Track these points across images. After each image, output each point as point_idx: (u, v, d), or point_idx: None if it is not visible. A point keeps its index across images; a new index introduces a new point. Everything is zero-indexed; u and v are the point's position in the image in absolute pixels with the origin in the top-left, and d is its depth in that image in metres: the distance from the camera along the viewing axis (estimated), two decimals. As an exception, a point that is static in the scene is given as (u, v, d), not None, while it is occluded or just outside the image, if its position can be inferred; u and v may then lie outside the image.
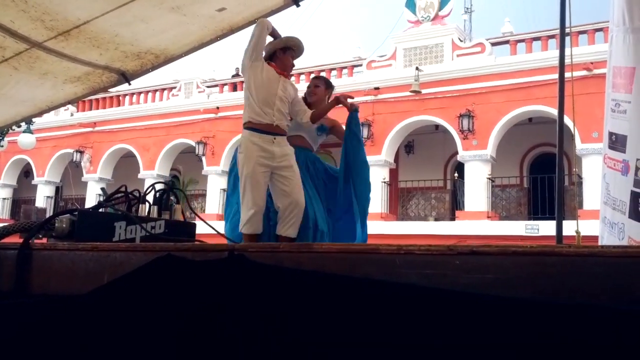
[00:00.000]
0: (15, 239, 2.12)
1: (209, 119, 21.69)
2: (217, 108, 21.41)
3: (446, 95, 17.90)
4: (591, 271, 1.23)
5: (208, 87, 22.87)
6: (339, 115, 4.71)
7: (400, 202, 20.08)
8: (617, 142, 4.07)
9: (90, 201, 21.81)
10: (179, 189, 2.98)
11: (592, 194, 14.12)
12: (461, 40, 18.82)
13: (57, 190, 25.67)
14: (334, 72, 20.31)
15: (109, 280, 1.68)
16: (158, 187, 2.82)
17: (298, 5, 4.29)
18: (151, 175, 21.54)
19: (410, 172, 20.21)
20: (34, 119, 16.01)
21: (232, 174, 4.59)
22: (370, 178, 4.61)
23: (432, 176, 19.65)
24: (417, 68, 18.09)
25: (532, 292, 1.24)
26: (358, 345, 1.32)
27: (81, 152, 23.89)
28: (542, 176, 16.42)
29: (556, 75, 5.09)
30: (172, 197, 2.85)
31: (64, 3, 3.77)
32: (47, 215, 2.35)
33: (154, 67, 4.73)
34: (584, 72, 14.85)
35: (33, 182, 25.40)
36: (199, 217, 3.34)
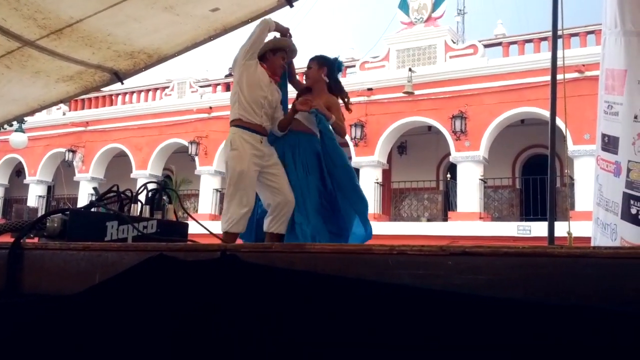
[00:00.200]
0: (7, 239, 2.11)
1: (201, 119, 21.66)
2: (210, 108, 21.39)
3: (439, 96, 17.94)
4: (583, 272, 1.23)
5: (201, 87, 22.85)
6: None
7: (393, 202, 20.11)
8: (609, 144, 4.09)
9: (83, 201, 21.73)
10: (171, 188, 2.98)
11: (584, 196, 14.18)
12: (454, 42, 18.87)
13: (49, 189, 25.58)
14: (327, 73, 20.27)
15: (101, 280, 1.68)
16: (150, 186, 2.82)
17: (292, 6, 4.29)
18: (144, 175, 21.49)
19: (403, 173, 20.24)
20: (25, 118, 15.94)
21: None
22: (357, 181, 4.46)
23: (424, 177, 19.68)
24: (410, 69, 18.13)
25: (524, 293, 1.25)
26: (352, 346, 1.32)
27: (73, 152, 23.81)
28: (534, 177, 16.48)
29: (548, 77, 5.11)
30: (164, 197, 2.84)
31: (57, 2, 3.75)
32: (39, 215, 2.34)
33: (147, 67, 4.72)
34: (575, 74, 14.91)
35: (25, 182, 25.30)
36: (191, 217, 3.34)
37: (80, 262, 1.78)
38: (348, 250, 1.47)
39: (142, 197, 2.76)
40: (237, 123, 4.14)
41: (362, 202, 4.38)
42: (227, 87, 22.23)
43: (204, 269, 1.51)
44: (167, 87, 23.24)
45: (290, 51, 4.43)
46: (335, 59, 4.54)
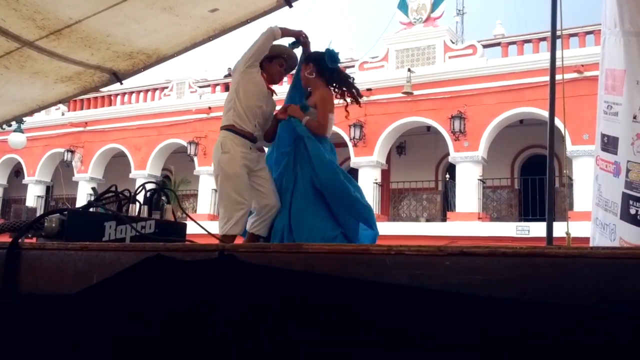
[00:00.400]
0: (5, 239, 2.11)
1: (200, 119, 21.65)
2: (209, 108, 21.38)
3: (438, 96, 17.95)
4: (580, 272, 1.23)
5: (200, 87, 22.85)
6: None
7: (392, 203, 20.11)
8: (609, 144, 4.09)
9: (81, 201, 21.71)
10: (169, 188, 2.97)
11: (583, 196, 14.19)
12: (453, 42, 18.88)
13: (48, 189, 25.57)
14: (326, 73, 20.27)
15: (98, 280, 1.68)
16: (149, 187, 2.82)
17: (291, 6, 4.28)
18: (143, 175, 21.48)
19: (402, 173, 20.24)
20: (24, 118, 15.94)
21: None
22: (349, 188, 4.05)
23: (423, 177, 19.69)
24: (409, 69, 18.13)
25: (521, 293, 1.25)
26: (348, 345, 1.32)
27: (72, 152, 23.80)
28: (533, 178, 16.48)
29: (547, 78, 5.11)
30: (162, 197, 2.84)
31: (56, 2, 3.75)
32: (38, 215, 2.33)
33: (146, 67, 4.72)
34: (574, 75, 14.91)
35: (24, 182, 25.28)
36: (189, 217, 3.34)
37: (78, 262, 1.78)
38: (345, 251, 1.46)
39: (140, 197, 2.76)
40: (229, 128, 4.11)
41: (356, 212, 4.15)
42: (226, 87, 22.20)
43: (202, 269, 1.51)
44: (166, 88, 23.25)
45: (289, 57, 4.36)
46: (325, 51, 4.31)
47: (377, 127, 18.63)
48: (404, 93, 17.92)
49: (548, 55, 5.22)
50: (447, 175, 19.12)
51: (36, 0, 3.66)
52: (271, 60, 4.25)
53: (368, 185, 17.80)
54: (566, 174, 15.94)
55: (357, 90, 4.47)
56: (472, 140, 17.33)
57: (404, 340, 1.27)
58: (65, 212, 2.27)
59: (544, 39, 16.55)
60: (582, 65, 15.11)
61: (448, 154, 18.18)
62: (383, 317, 1.29)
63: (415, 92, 17.93)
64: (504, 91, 17.00)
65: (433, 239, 15.76)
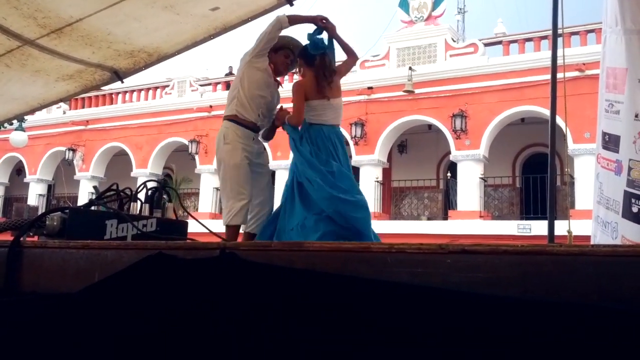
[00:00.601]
0: (6, 237, 2.11)
1: (202, 118, 21.67)
2: (210, 107, 21.39)
3: (439, 95, 17.94)
4: (582, 270, 1.23)
5: (201, 85, 22.86)
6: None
7: (393, 201, 20.10)
8: (610, 142, 4.09)
9: (83, 199, 21.73)
10: (170, 187, 2.97)
11: (584, 194, 14.18)
12: (454, 41, 18.87)
13: (50, 188, 25.61)
14: (327, 72, 20.27)
15: (100, 279, 1.68)
16: (150, 185, 2.82)
17: (292, 5, 4.28)
18: (144, 174, 21.50)
19: (403, 172, 20.24)
20: (25, 117, 15.95)
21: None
22: (328, 201, 3.79)
23: (425, 176, 19.68)
24: (410, 68, 18.13)
25: (523, 291, 1.25)
26: (349, 343, 1.32)
27: (73, 150, 23.82)
28: (535, 176, 16.48)
29: (548, 76, 5.10)
30: (164, 196, 2.84)
31: (57, 1, 3.75)
32: (39, 214, 2.34)
33: (147, 66, 4.71)
34: (576, 73, 14.91)
35: (25, 180, 25.32)
36: (190, 215, 3.34)
37: (80, 261, 1.78)
38: (347, 249, 1.46)
39: (141, 195, 2.76)
40: (231, 118, 4.12)
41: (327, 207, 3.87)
42: (227, 85, 22.20)
43: (204, 268, 1.51)
44: (167, 86, 23.25)
45: (296, 48, 4.32)
46: (308, 39, 4.18)
47: (379, 125, 18.62)
48: (405, 91, 17.91)
49: (549, 53, 5.21)
50: (449, 174, 19.11)
51: (37, -2, 3.66)
52: (277, 52, 4.24)
53: (369, 183, 17.81)
54: (568, 173, 15.94)
55: (327, 66, 4.19)
56: (474, 138, 17.32)
57: (405, 338, 1.27)
58: (67, 211, 2.27)
59: (545, 37, 16.54)
60: (584, 64, 15.10)
61: (449, 153, 18.18)
62: (384, 315, 1.29)
63: (417, 91, 17.93)
64: (505, 90, 16.99)
65: (434, 238, 15.77)
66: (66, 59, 4.38)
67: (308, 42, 4.18)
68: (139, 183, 2.86)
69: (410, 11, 19.17)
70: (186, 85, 22.79)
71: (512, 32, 19.12)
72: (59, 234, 2.19)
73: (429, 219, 18.86)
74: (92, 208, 2.52)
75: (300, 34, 4.25)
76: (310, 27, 4.24)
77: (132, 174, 22.12)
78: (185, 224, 2.84)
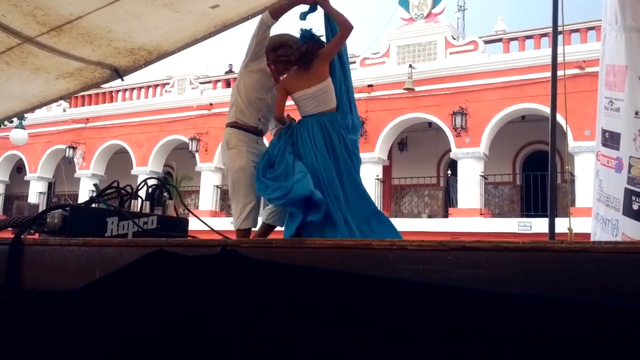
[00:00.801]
0: (7, 235, 2.12)
1: (202, 116, 21.67)
2: (211, 104, 21.39)
3: (439, 92, 17.94)
4: (583, 267, 1.23)
5: (201, 83, 22.85)
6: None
7: (394, 199, 20.10)
8: (610, 140, 4.09)
9: (83, 197, 21.73)
10: (171, 184, 2.97)
11: (585, 192, 14.18)
12: (454, 38, 18.86)
13: (50, 186, 25.61)
14: (327, 69, 20.26)
15: (101, 276, 1.68)
16: (150, 182, 2.82)
17: (292, 3, 4.27)
18: (144, 172, 21.50)
19: (404, 169, 20.24)
20: (26, 115, 15.94)
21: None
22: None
23: (425, 173, 19.68)
24: (410, 65, 18.12)
25: (524, 288, 1.25)
26: (350, 341, 1.32)
27: (74, 148, 23.82)
28: (535, 174, 16.49)
29: (549, 74, 5.11)
30: (164, 193, 2.84)
31: (57, -2, 3.75)
32: (40, 211, 2.34)
33: (147, 63, 4.71)
34: (576, 71, 14.90)
35: (25, 178, 25.32)
36: (191, 212, 3.34)
37: (81, 258, 1.78)
38: (348, 246, 1.46)
39: (142, 193, 2.76)
40: (232, 124, 4.11)
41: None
42: (228, 83, 22.23)
43: (205, 265, 1.51)
44: (168, 84, 23.24)
45: (294, 43, 4.26)
46: (300, 18, 4.08)
47: (379, 123, 18.62)
48: (405, 89, 17.90)
49: (549, 51, 5.22)
50: (449, 172, 19.11)
51: (37, -4, 3.66)
52: (276, 51, 4.20)
53: (370, 181, 17.79)
54: (568, 170, 15.93)
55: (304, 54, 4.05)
56: (474, 136, 17.32)
57: (407, 335, 1.27)
58: (68, 208, 2.27)
59: (545, 34, 16.53)
60: (584, 61, 15.09)
61: (450, 150, 18.18)
62: (385, 312, 1.29)
63: (417, 88, 17.92)
64: (505, 87, 16.99)
65: (435, 235, 15.75)
66: (66, 56, 4.37)
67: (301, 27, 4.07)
68: (139, 181, 2.86)
69: (410, 9, 19.16)
70: (186, 83, 22.78)
71: (512, 30, 19.09)
72: (59, 232, 2.19)
73: (429, 216, 18.87)
74: (93, 205, 2.52)
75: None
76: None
77: (133, 172, 22.12)
78: (186, 222, 2.84)
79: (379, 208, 3.87)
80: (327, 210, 3.66)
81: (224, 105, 20.39)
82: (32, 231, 2.22)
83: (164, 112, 22.60)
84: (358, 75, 18.96)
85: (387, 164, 19.62)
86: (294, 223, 3.72)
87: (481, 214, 17.23)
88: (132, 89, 24.08)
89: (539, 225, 14.46)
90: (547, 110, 6.25)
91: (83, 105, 24.77)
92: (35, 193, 24.66)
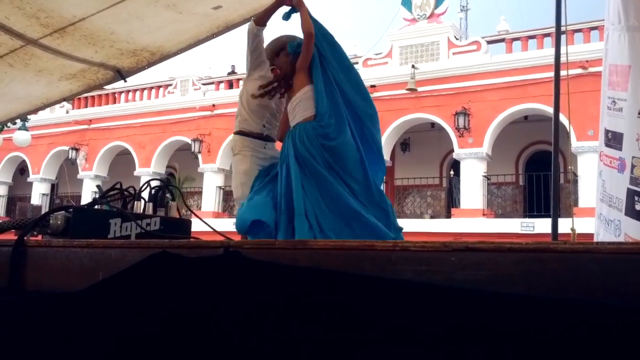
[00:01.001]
0: (10, 236, 2.12)
1: (204, 117, 21.69)
2: (213, 105, 21.41)
3: (442, 93, 17.93)
4: (586, 267, 1.23)
5: (204, 84, 22.88)
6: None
7: (396, 199, 20.10)
8: (613, 140, 4.08)
9: (86, 199, 21.78)
10: (174, 185, 2.97)
11: (588, 192, 14.17)
12: (457, 39, 18.86)
13: (53, 187, 25.66)
14: (330, 70, 20.27)
15: (104, 278, 1.68)
16: (153, 184, 2.82)
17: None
18: (147, 173, 21.52)
19: (406, 170, 20.24)
20: (29, 116, 15.98)
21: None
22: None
23: (428, 174, 19.68)
24: (413, 66, 18.12)
25: (527, 289, 1.24)
26: (353, 342, 1.32)
27: (77, 150, 23.87)
28: (538, 174, 16.48)
29: (552, 74, 5.10)
30: (167, 195, 2.84)
31: (59, 0, 3.76)
32: (43, 213, 2.34)
33: (150, 65, 4.72)
34: (579, 70, 14.87)
35: (28, 180, 25.36)
36: (194, 214, 3.34)
37: (84, 260, 1.78)
38: (351, 247, 1.46)
39: (145, 194, 2.76)
40: (238, 132, 4.12)
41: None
42: (230, 84, 22.26)
43: (208, 266, 1.51)
44: (170, 85, 23.27)
45: (297, 44, 4.24)
46: (283, 19, 3.96)
47: (381, 123, 18.28)
48: (407, 89, 17.91)
49: (552, 51, 5.22)
50: (452, 172, 19.10)
51: (40, -2, 3.67)
52: (278, 55, 4.18)
53: (372, 182, 17.73)
54: (571, 170, 15.91)
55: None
56: (477, 136, 17.31)
57: (410, 336, 1.27)
58: (71, 210, 2.28)
59: (548, 34, 16.51)
60: (587, 61, 15.06)
61: (452, 151, 18.17)
62: (388, 313, 1.29)
63: (419, 89, 17.92)
64: (508, 87, 16.98)
65: (437, 236, 15.75)
66: (69, 58, 4.39)
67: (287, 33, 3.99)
68: (142, 182, 2.86)
69: (412, 9, 19.16)
70: (189, 84, 22.81)
71: (515, 30, 19.08)
72: (62, 233, 2.19)
73: (432, 217, 18.86)
74: (96, 207, 2.52)
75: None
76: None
77: (135, 173, 22.16)
78: (189, 223, 2.84)
79: (364, 211, 3.63)
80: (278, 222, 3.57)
81: (226, 107, 20.43)
82: (35, 233, 2.22)
83: (166, 114, 22.63)
84: (360, 76, 18.93)
85: (390, 164, 19.62)
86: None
87: (484, 215, 17.22)
88: (135, 90, 24.12)
89: (542, 225, 14.46)
90: (550, 110, 6.24)
91: (86, 106, 24.82)
92: (38, 194, 24.71)
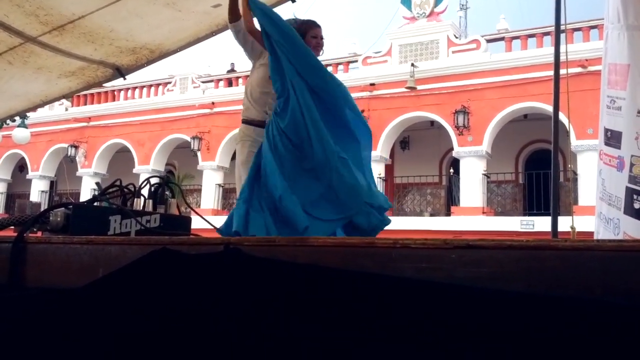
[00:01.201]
0: (10, 233, 2.12)
1: (204, 114, 21.66)
2: (213, 103, 21.38)
3: (442, 91, 17.92)
4: (586, 265, 1.23)
5: (203, 82, 22.84)
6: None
7: (396, 197, 20.09)
8: (612, 139, 4.08)
9: (85, 196, 21.75)
10: (174, 182, 2.97)
11: (587, 190, 14.17)
12: (456, 37, 18.85)
13: (52, 184, 25.62)
14: (329, 68, 20.28)
15: (104, 274, 1.68)
16: (153, 181, 2.82)
17: (294, 1, 4.28)
18: (146, 170, 21.49)
19: (406, 168, 20.23)
20: (28, 114, 15.95)
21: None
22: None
23: (427, 172, 19.66)
24: (412, 64, 18.10)
25: (527, 286, 1.24)
26: (352, 340, 1.32)
27: (76, 147, 23.84)
28: (538, 172, 16.47)
29: (551, 72, 5.10)
30: (167, 192, 2.84)
31: (59, -3, 3.76)
32: (42, 210, 2.34)
33: (149, 62, 4.72)
34: (578, 69, 14.86)
35: (28, 177, 25.33)
36: (194, 211, 3.34)
37: (84, 256, 1.78)
38: (351, 244, 1.46)
39: (144, 191, 2.76)
40: (243, 120, 4.19)
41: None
42: (229, 82, 22.23)
43: (208, 263, 1.51)
44: (170, 83, 23.24)
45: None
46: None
47: (381, 122, 18.59)
48: (407, 88, 17.89)
49: (552, 49, 5.21)
50: (451, 170, 19.09)
51: (39, -5, 3.67)
52: None
53: (372, 180, 17.70)
54: (571, 169, 15.91)
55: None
56: (476, 135, 17.30)
57: (410, 333, 1.27)
58: (71, 206, 2.27)
59: (547, 33, 16.49)
60: (586, 60, 15.05)
61: (452, 149, 18.16)
62: (389, 311, 1.29)
63: (419, 87, 17.90)
64: (507, 86, 16.97)
65: (437, 234, 15.74)
66: (68, 56, 4.39)
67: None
68: (141, 180, 2.86)
69: (412, 7, 19.14)
70: (188, 82, 22.79)
71: (514, 28, 19.06)
72: (62, 230, 2.19)
73: (431, 215, 18.85)
74: (96, 204, 2.52)
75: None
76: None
77: (135, 171, 22.13)
78: (189, 220, 2.84)
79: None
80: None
81: (225, 104, 20.42)
82: (35, 229, 2.22)
83: (166, 111, 22.60)
84: (360, 74, 18.96)
85: (390, 162, 19.62)
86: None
87: (484, 213, 17.21)
88: (134, 87, 24.08)
89: (542, 223, 14.45)
90: (549, 108, 6.25)
91: (85, 104, 24.79)
92: (37, 192, 24.68)
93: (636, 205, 3.75)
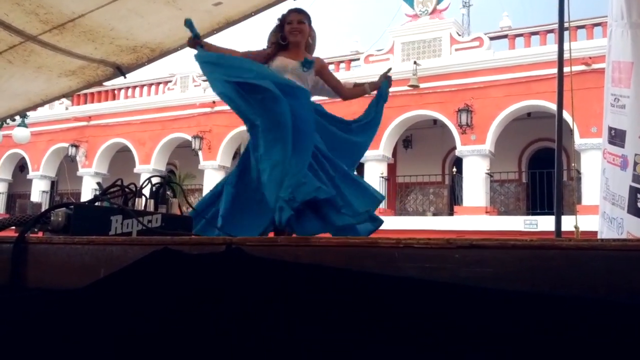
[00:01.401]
0: (11, 233, 2.11)
1: (205, 113, 21.66)
2: (213, 102, 21.35)
3: (444, 89, 17.90)
4: (590, 265, 1.22)
5: (204, 81, 22.83)
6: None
7: (399, 197, 20.10)
8: (616, 137, 4.07)
9: (86, 196, 21.77)
10: (175, 182, 2.96)
11: (591, 189, 14.15)
12: (459, 35, 18.82)
13: (53, 184, 25.64)
14: (331, 67, 20.27)
15: (105, 275, 1.67)
16: (154, 180, 2.81)
17: (295, -1, 4.26)
18: (147, 170, 21.50)
19: (409, 167, 20.22)
20: (28, 113, 15.96)
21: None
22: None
23: (430, 171, 19.66)
24: (415, 62, 18.09)
25: (531, 286, 1.24)
26: (355, 341, 1.31)
27: (76, 147, 23.85)
28: (541, 171, 16.44)
29: (555, 70, 5.08)
30: (168, 191, 2.83)
31: (59, -4, 3.75)
32: (42, 210, 2.34)
33: (150, 61, 4.72)
34: (582, 67, 14.84)
35: (28, 177, 25.36)
36: (196, 211, 3.33)
37: (85, 256, 1.78)
38: (354, 244, 1.45)
39: (146, 191, 2.75)
40: None
41: None
42: (231, 81, 22.18)
43: (209, 263, 1.50)
44: (170, 82, 23.24)
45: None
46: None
47: (383, 120, 18.18)
48: (410, 86, 17.86)
49: (555, 47, 5.19)
50: (454, 169, 19.07)
51: (40, -6, 3.66)
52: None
53: (374, 179, 17.76)
54: (574, 168, 15.89)
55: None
56: (479, 133, 17.28)
57: (414, 334, 1.26)
58: (72, 206, 2.26)
59: (551, 31, 16.47)
60: (590, 58, 15.03)
61: (455, 148, 18.14)
62: (392, 311, 1.28)
63: (422, 85, 17.88)
64: (511, 84, 16.95)
65: (440, 233, 15.73)
66: (68, 54, 4.38)
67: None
68: (142, 179, 2.85)
69: (414, 5, 19.13)
70: (189, 80, 22.79)
71: (517, 26, 19.05)
72: (63, 230, 2.18)
73: (434, 214, 18.84)
74: (97, 204, 2.51)
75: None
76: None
77: (135, 170, 22.13)
78: (191, 220, 2.82)
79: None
80: None
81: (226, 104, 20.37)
82: (35, 230, 2.21)
83: (166, 110, 22.61)
84: (362, 72, 18.93)
85: (392, 161, 19.61)
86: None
87: (487, 212, 17.20)
88: (135, 86, 24.09)
89: (545, 223, 14.43)
90: (553, 107, 6.23)
91: (85, 103, 24.80)
92: (38, 192, 24.70)
93: (640, 205, 3.74)
